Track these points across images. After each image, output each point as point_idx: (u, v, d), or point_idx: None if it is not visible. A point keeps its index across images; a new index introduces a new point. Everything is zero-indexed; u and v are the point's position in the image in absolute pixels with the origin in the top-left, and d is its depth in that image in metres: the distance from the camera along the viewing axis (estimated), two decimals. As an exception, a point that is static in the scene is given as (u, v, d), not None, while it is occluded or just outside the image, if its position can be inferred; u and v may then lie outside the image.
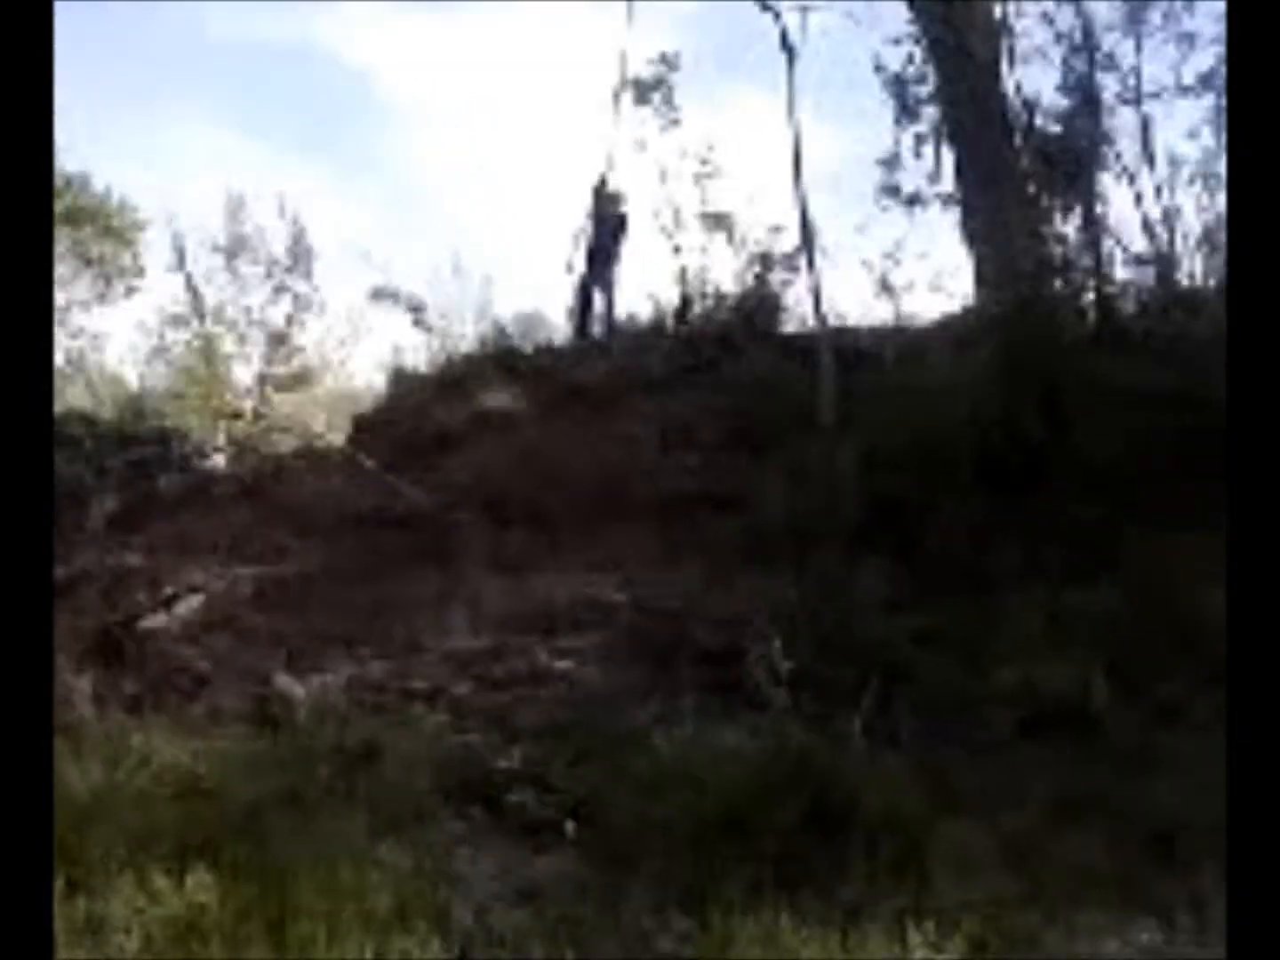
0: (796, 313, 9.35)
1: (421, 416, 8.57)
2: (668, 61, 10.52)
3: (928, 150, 9.55)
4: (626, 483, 6.85)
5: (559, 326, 11.96)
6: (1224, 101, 9.32)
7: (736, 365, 8.57)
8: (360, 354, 15.34)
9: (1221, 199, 8.06)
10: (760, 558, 5.73)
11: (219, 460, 8.62)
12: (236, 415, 10.31)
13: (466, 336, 11.44)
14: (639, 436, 7.65)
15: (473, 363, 9.96)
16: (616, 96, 10.12)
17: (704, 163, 10.41)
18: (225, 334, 13.51)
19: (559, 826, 3.64)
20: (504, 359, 9.89)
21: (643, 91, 10.49)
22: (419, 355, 11.28)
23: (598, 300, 10.14)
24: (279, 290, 14.59)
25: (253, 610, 5.91)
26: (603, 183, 10.15)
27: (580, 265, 10.00)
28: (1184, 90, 9.09)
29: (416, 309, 10.64)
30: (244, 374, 13.61)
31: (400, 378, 10.37)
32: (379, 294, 10.23)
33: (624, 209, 10.16)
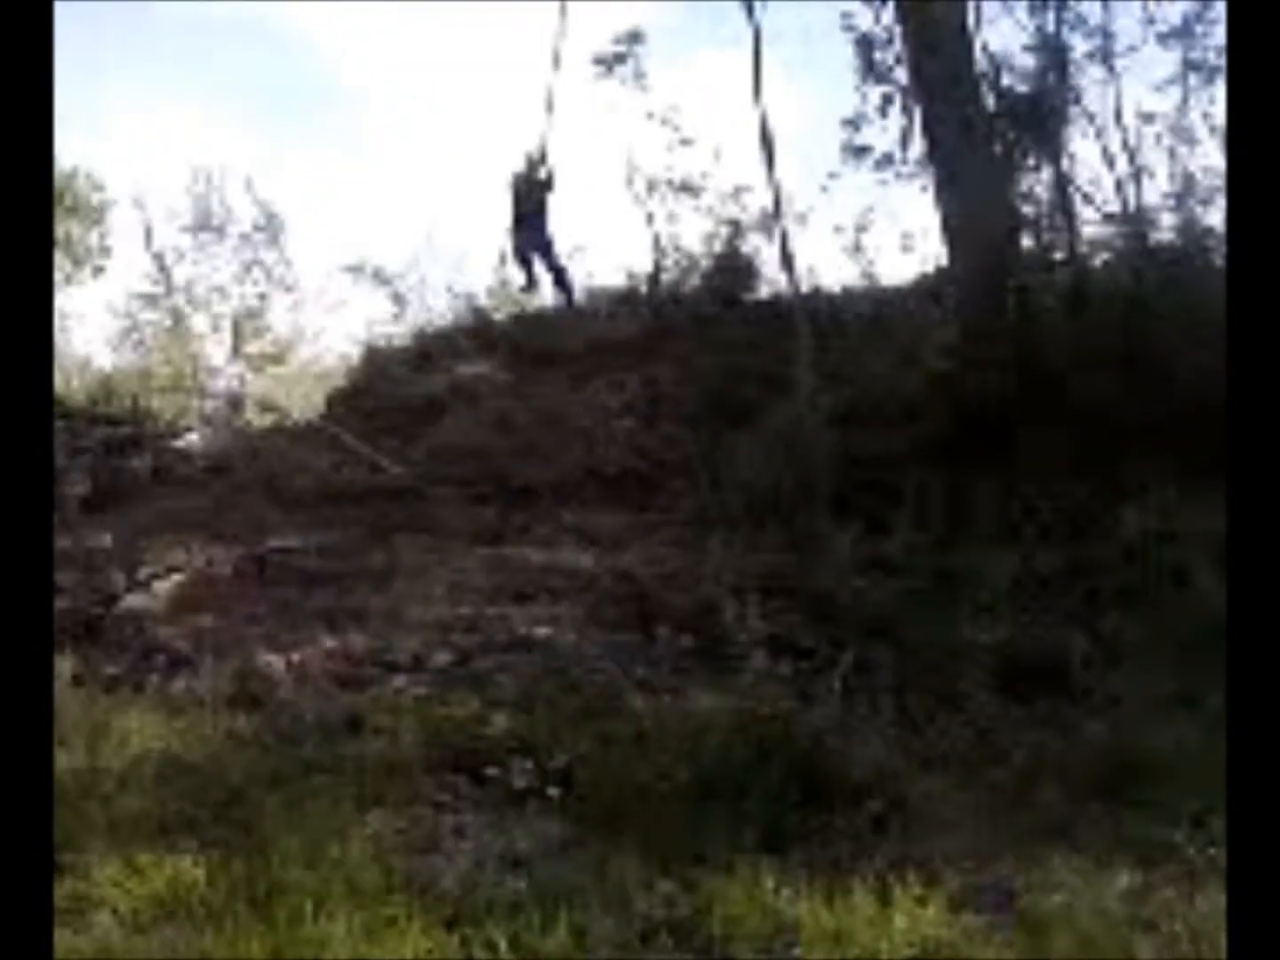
0: (770, 276, 9.34)
1: (396, 390, 8.54)
2: (635, 37, 10.47)
3: (896, 110, 9.52)
4: (603, 451, 6.85)
5: (528, 297, 11.92)
6: (1191, 55, 9.32)
7: (711, 331, 8.56)
8: (334, 328, 15.26)
9: (1191, 154, 8.08)
10: (738, 523, 5.75)
11: (193, 439, 8.56)
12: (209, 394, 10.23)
13: (440, 308, 11.40)
14: (614, 405, 7.64)
15: (446, 334, 9.92)
16: (556, 59, 9.90)
17: (674, 128, 10.36)
18: (195, 312, 13.41)
19: (543, 793, 3.65)
20: (478, 330, 9.85)
21: (609, 65, 10.44)
22: (393, 328, 11.23)
23: (537, 264, 9.92)
24: (249, 266, 14.47)
25: (232, 588, 5.89)
26: (540, 150, 9.96)
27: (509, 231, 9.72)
28: (1159, 39, 9.05)
29: (388, 282, 10.58)
30: (216, 351, 13.51)
31: (374, 351, 10.32)
32: (351, 269, 10.18)
33: (547, 170, 9.83)
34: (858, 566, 5.41)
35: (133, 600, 5.65)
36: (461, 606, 5.29)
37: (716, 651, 4.39)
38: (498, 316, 10.86)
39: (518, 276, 10.37)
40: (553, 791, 3.63)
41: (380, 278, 10.55)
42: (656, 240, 9.93)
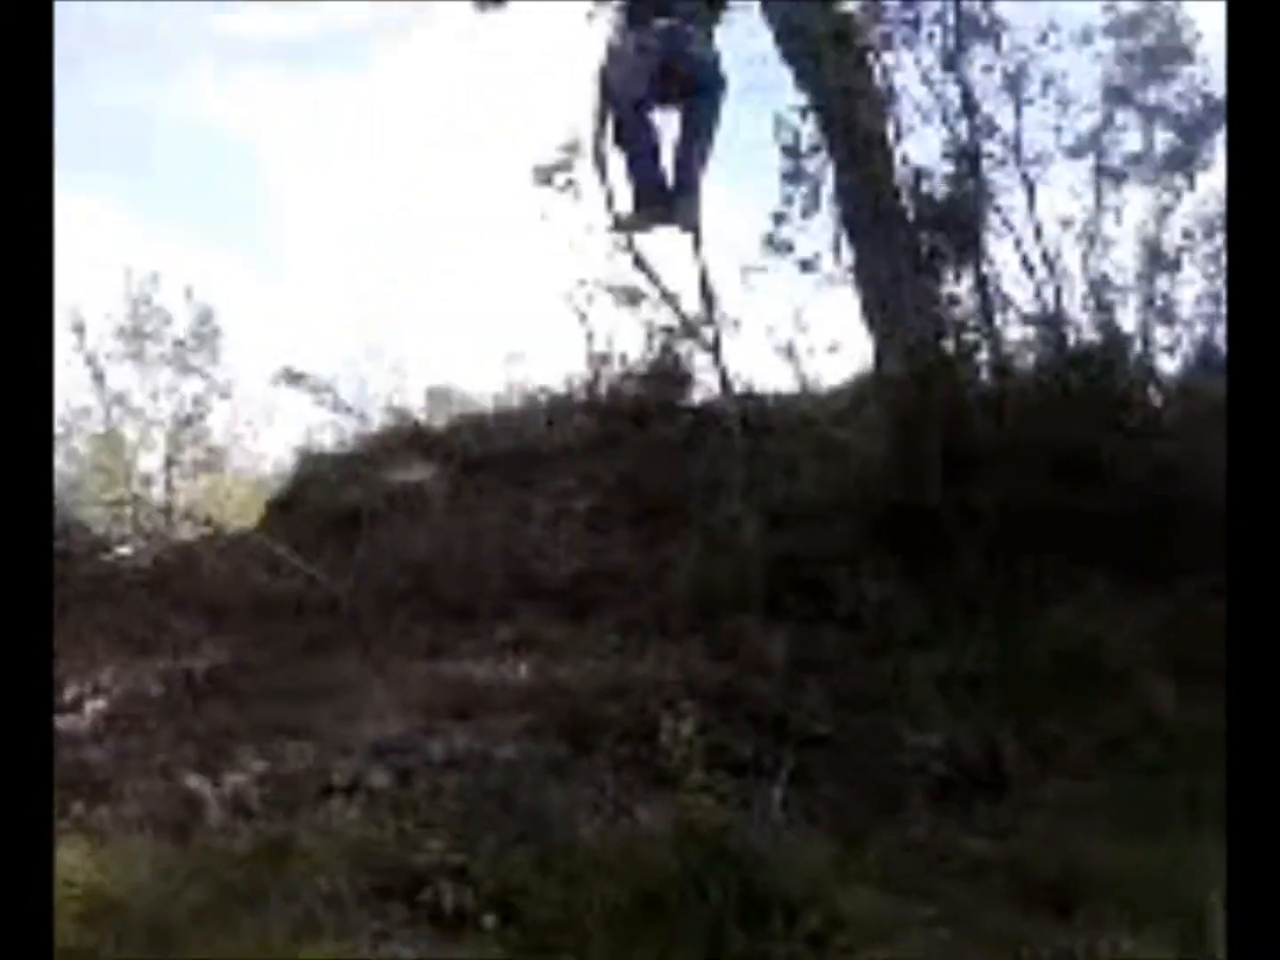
0: (704, 380, 9.48)
1: (332, 498, 8.49)
2: (573, 147, 10.72)
3: (822, 216, 9.81)
4: (540, 560, 6.85)
5: (472, 400, 11.97)
6: (1102, 163, 9.75)
7: (648, 435, 8.64)
8: (270, 435, 15.18)
9: (1104, 257, 8.38)
10: (675, 630, 5.76)
11: (124, 551, 8.43)
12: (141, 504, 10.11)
13: (378, 414, 11.40)
14: (551, 511, 7.67)
15: (384, 441, 9.91)
16: None
17: (610, 238, 10.56)
18: (128, 422, 13.30)
19: (480, 920, 3.59)
20: (416, 436, 9.85)
21: (548, 174, 10.66)
22: (330, 435, 11.21)
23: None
24: (184, 373, 14.41)
25: (163, 707, 5.77)
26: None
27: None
28: (1068, 152, 9.45)
29: (325, 390, 10.59)
30: (150, 460, 13.38)
31: (310, 459, 10.28)
32: (288, 376, 10.17)
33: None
34: (793, 671, 5.43)
35: (59, 722, 5.52)
36: (399, 724, 5.22)
37: (655, 764, 4.37)
38: (437, 422, 10.89)
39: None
40: (489, 919, 3.57)
41: (317, 385, 10.56)
42: (593, 346, 10.07)
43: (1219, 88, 9.76)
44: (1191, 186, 9.07)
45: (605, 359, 9.87)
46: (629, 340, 9.94)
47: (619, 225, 7.21)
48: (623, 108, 6.68)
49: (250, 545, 8.10)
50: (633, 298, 10.16)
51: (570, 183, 10.96)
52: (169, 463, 13.21)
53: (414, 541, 7.34)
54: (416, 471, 8.51)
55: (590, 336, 10.04)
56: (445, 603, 6.63)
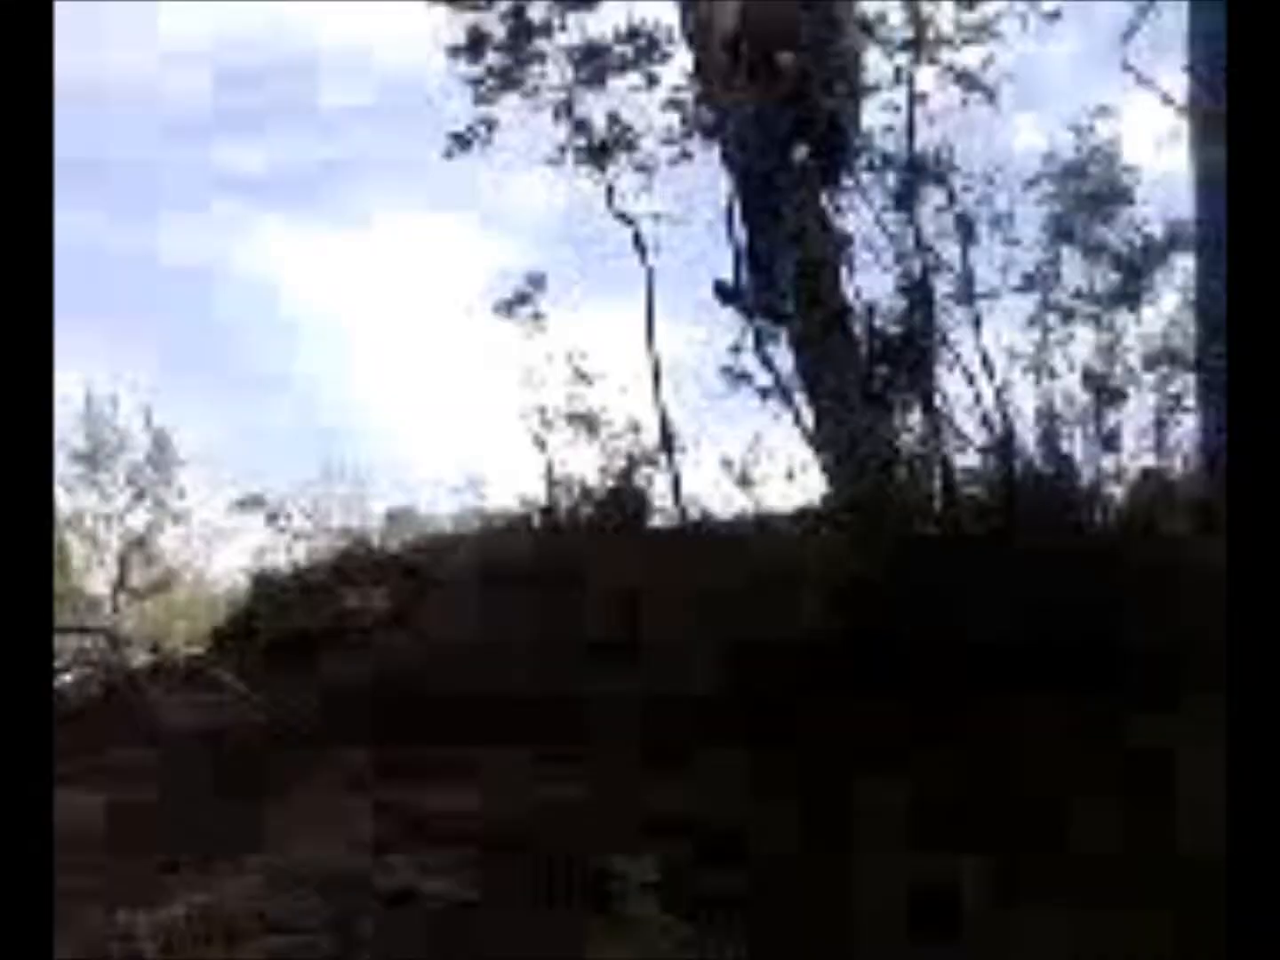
0: (662, 507, 9.56)
1: (285, 623, 8.41)
2: (536, 281, 11.00)
3: (779, 347, 10.06)
4: (494, 684, 6.78)
5: (431, 522, 11.96)
6: (1049, 298, 10.05)
7: (605, 561, 8.65)
8: (223, 558, 15.03)
9: (1053, 387, 8.57)
10: (628, 763, 5.68)
11: (67, 679, 8.26)
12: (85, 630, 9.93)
13: (334, 537, 11.35)
14: (506, 635, 7.61)
15: (340, 564, 9.85)
16: None
17: (571, 366, 10.76)
18: (79, 544, 13.15)
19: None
20: (373, 559, 9.81)
21: (509, 307, 10.91)
22: (285, 557, 11.12)
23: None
24: (139, 496, 14.32)
25: (100, 840, 5.60)
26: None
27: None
28: (1015, 289, 9.75)
29: (279, 515, 10.57)
30: (99, 583, 13.19)
31: (263, 582, 10.20)
32: (243, 502, 10.17)
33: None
34: (753, 800, 5.36)
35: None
36: (346, 858, 5.09)
37: (610, 902, 4.27)
38: (394, 545, 10.86)
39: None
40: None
41: (273, 509, 10.54)
42: (551, 474, 10.15)
43: (1158, 228, 10.16)
44: (1138, 321, 9.36)
45: (563, 485, 9.95)
46: (587, 467, 10.05)
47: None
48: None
49: (199, 672, 7.98)
50: (591, 425, 10.30)
51: (537, 316, 11.22)
52: (118, 586, 13.02)
53: (363, 670, 7.25)
54: (371, 595, 8.46)
55: (549, 463, 10.13)
56: (397, 729, 6.53)
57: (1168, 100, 10.47)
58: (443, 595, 8.60)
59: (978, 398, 8.54)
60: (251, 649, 8.19)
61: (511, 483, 10.96)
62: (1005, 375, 8.56)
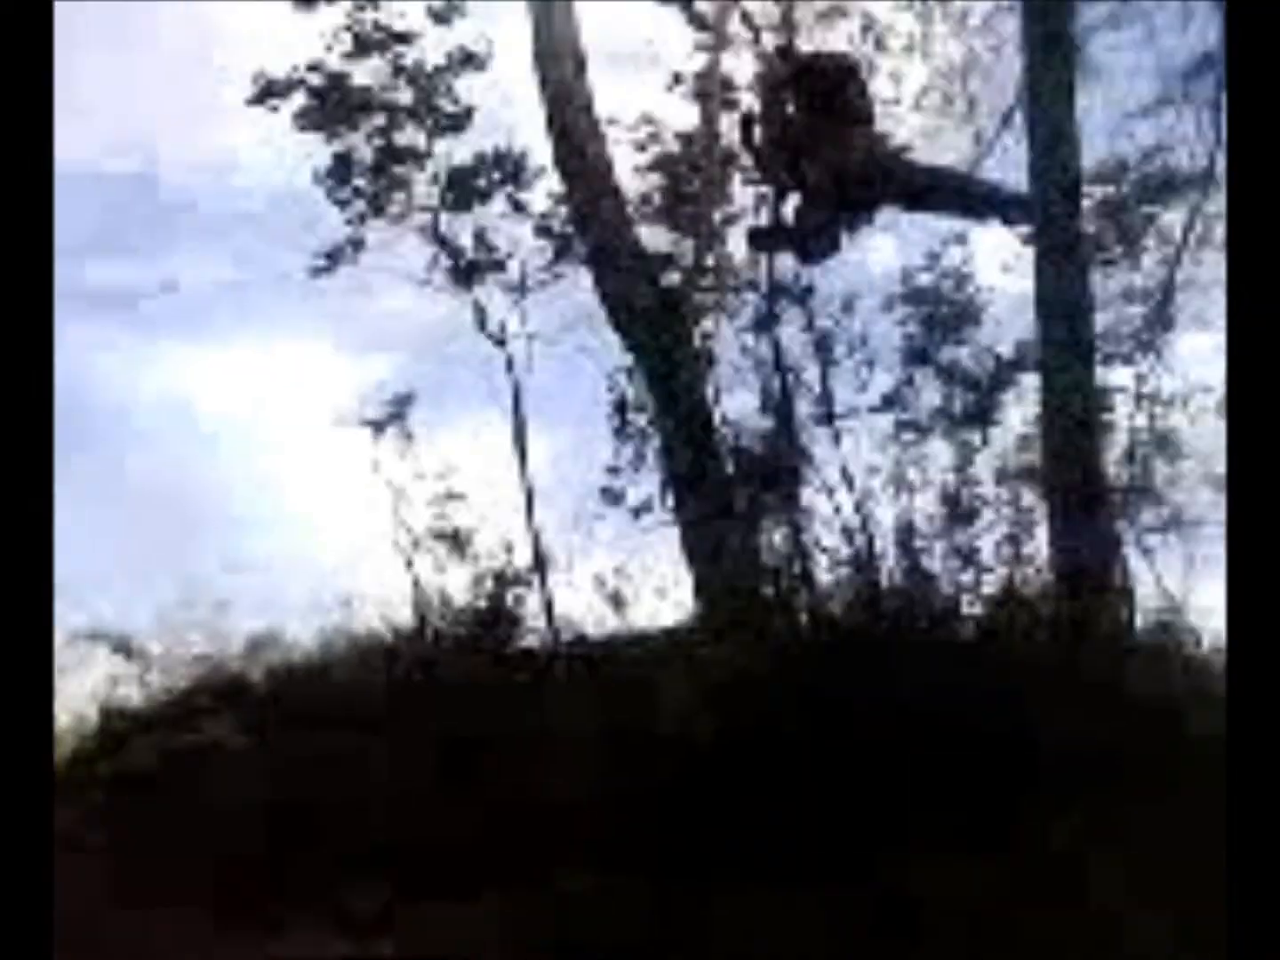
0: (533, 626, 9.49)
1: (131, 758, 8.02)
2: (405, 399, 11.04)
3: (649, 466, 10.22)
4: (354, 827, 6.54)
5: (295, 646, 11.62)
6: (904, 417, 10.42)
7: (471, 684, 8.50)
8: (71, 690, 14.32)
9: (911, 503, 8.82)
10: (489, 890, 5.53)
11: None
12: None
13: (190, 665, 10.93)
14: (370, 767, 7.38)
15: (194, 694, 9.48)
16: None
17: (441, 485, 10.73)
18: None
19: None
20: (230, 687, 9.47)
21: (380, 425, 10.89)
22: (136, 689, 10.66)
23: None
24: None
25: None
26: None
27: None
28: (871, 410, 10.09)
29: (131, 646, 10.19)
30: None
31: (111, 716, 9.73)
32: (91, 632, 9.76)
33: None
34: (627, 931, 5.25)
35: None
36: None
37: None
38: (254, 672, 10.51)
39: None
40: None
41: (123, 640, 10.13)
42: (419, 592, 10.02)
43: (1008, 349, 10.65)
44: (985, 441, 9.73)
45: (432, 606, 9.81)
46: (457, 587, 9.94)
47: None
48: None
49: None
50: (462, 545, 10.22)
51: (406, 435, 11.21)
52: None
53: (220, 805, 6.93)
54: (225, 726, 8.14)
55: (417, 582, 10.00)
56: (260, 875, 6.23)
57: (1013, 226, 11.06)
58: (302, 726, 8.32)
59: (839, 514, 8.78)
60: (95, 786, 7.76)
61: (380, 604, 10.78)
62: (865, 491, 8.84)
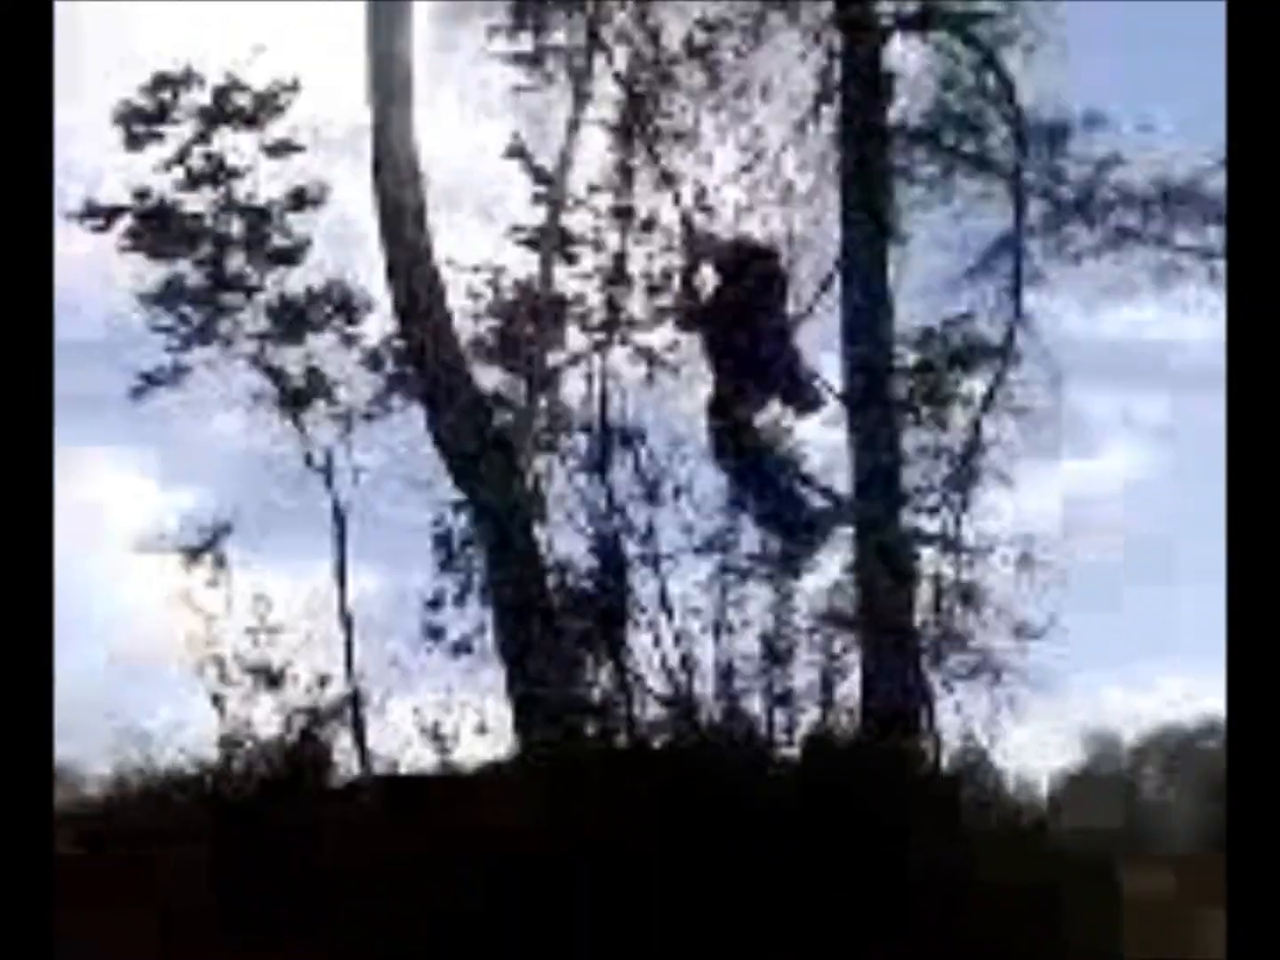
0: (346, 763, 9.20)
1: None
2: (224, 528, 10.78)
3: (472, 602, 10.14)
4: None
5: (87, 783, 10.93)
6: (727, 561, 10.65)
7: (281, 821, 8.16)
8: None
9: (731, 644, 9.00)
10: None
11: None
12: None
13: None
14: (175, 902, 7.00)
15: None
16: None
17: (256, 616, 10.40)
18: None
19: None
20: None
21: (193, 554, 10.58)
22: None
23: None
24: None
25: None
26: None
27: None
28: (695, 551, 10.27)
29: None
30: None
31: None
32: None
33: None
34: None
35: None
36: None
37: None
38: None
39: None
40: None
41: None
42: (226, 726, 9.60)
43: (819, 499, 11.05)
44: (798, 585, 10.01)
45: (239, 741, 9.39)
46: (266, 721, 9.56)
47: None
48: None
49: None
50: (273, 678, 9.87)
51: (220, 563, 10.88)
52: None
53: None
54: None
55: (224, 715, 9.59)
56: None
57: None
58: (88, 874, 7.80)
59: (662, 653, 8.87)
60: None
61: (184, 738, 10.24)
62: (687, 632, 8.96)
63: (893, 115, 11.69)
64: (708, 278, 7.72)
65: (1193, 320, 11.63)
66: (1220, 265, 10.69)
